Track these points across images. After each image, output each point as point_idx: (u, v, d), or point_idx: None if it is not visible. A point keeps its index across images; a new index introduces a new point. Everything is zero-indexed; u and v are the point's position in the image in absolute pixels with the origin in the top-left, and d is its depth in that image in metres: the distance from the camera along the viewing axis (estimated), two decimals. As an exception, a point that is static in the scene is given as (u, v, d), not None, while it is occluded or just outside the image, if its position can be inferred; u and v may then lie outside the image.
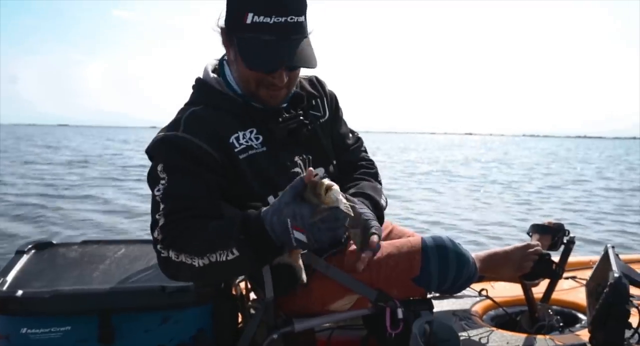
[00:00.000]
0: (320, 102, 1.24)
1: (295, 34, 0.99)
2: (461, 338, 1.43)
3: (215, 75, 1.13)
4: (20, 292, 1.03)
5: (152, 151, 1.03)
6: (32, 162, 15.12)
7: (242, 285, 1.42)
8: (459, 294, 1.75)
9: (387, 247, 1.15)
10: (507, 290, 1.77)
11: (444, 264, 1.10)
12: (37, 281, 1.10)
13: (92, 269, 1.18)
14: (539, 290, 1.61)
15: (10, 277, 1.11)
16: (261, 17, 0.96)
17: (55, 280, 1.11)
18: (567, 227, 1.63)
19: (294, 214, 0.83)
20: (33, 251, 1.29)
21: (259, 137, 1.09)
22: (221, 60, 1.15)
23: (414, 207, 7.73)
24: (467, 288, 1.69)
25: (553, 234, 1.60)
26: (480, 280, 1.73)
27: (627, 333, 1.11)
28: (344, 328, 1.32)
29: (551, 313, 1.60)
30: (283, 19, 0.97)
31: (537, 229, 1.64)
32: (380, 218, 1.14)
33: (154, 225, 0.96)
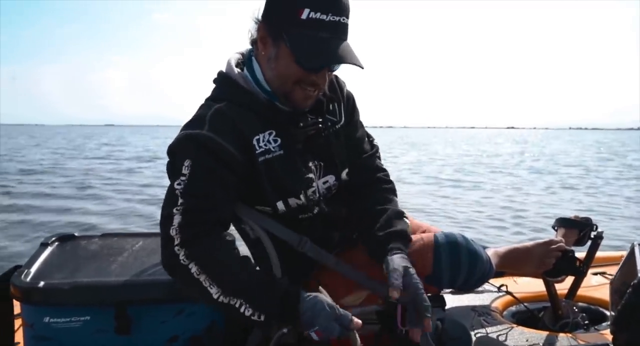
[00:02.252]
0: (337, 106, 1.20)
1: (344, 35, 1.01)
2: (479, 334, 1.40)
3: (239, 70, 1.11)
4: (42, 283, 1.07)
5: (176, 147, 1.01)
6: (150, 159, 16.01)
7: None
8: (478, 289, 1.72)
9: (399, 243, 1.13)
10: (529, 286, 1.72)
11: (455, 262, 1.07)
12: (59, 273, 1.14)
13: (110, 261, 1.22)
14: (563, 286, 1.55)
15: (33, 269, 1.15)
16: (318, 14, 0.95)
17: (75, 271, 1.15)
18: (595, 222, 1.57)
19: (325, 328, 0.89)
20: (56, 243, 1.34)
21: (277, 139, 1.07)
22: (249, 55, 1.12)
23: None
24: (487, 283, 1.67)
25: (580, 228, 1.54)
26: (501, 275, 1.69)
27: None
28: (358, 322, 1.31)
29: (576, 310, 1.54)
30: (337, 19, 0.97)
31: (562, 223, 1.58)
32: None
33: (167, 219, 0.95)
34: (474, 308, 1.58)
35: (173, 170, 1.00)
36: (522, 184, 9.67)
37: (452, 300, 1.65)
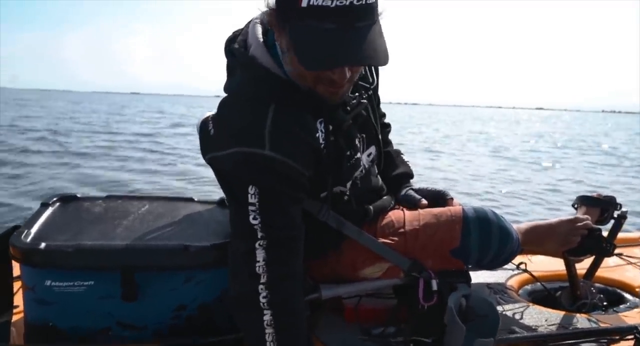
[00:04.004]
0: (368, 67, 1.09)
1: (362, 20, 0.80)
2: (495, 312, 1.36)
3: (267, 53, 0.93)
4: (43, 245, 1.00)
5: (236, 172, 0.89)
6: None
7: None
8: (494, 266, 1.66)
9: (424, 214, 1.07)
10: (546, 264, 1.67)
11: (485, 238, 1.01)
12: (61, 235, 1.07)
13: (115, 225, 1.15)
14: (581, 266, 1.50)
15: (34, 229, 1.09)
16: (320, 0, 0.77)
17: (78, 233, 1.08)
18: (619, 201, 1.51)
19: None
20: (58, 204, 1.27)
21: (328, 127, 0.96)
22: (272, 39, 0.94)
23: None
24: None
25: (602, 207, 1.48)
26: (520, 253, 1.63)
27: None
28: (373, 295, 1.26)
29: (594, 291, 1.50)
30: (347, 2, 0.77)
31: (584, 201, 1.52)
32: None
33: (250, 255, 0.87)
34: (489, 285, 1.54)
35: (237, 197, 0.89)
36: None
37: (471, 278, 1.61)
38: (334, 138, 0.96)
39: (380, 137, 1.12)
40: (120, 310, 1.05)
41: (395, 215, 1.09)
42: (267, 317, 0.86)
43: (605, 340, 1.18)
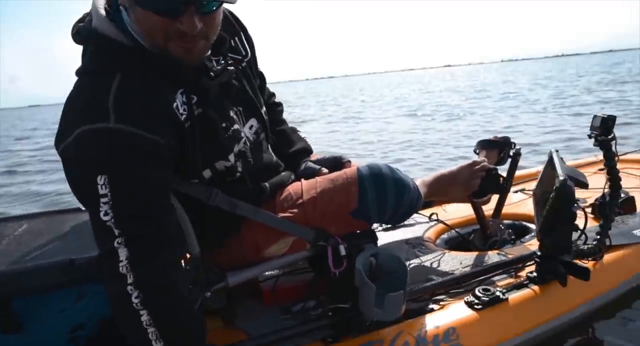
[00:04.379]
0: (239, 40, 1.03)
1: None
2: (413, 264, 1.39)
3: (109, 22, 0.85)
4: None
5: (80, 153, 0.77)
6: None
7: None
8: (410, 222, 1.70)
9: (321, 181, 1.04)
10: (458, 212, 1.74)
11: (381, 193, 1.00)
12: None
13: (-16, 252, 1.01)
14: (489, 207, 1.58)
15: None
16: None
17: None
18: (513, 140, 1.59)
19: None
20: None
21: (192, 97, 0.87)
22: (116, 6, 0.87)
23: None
24: (417, 215, 1.65)
25: (500, 148, 1.55)
26: (430, 204, 1.68)
27: (574, 236, 1.09)
28: (290, 273, 1.24)
29: (502, 227, 1.58)
30: None
31: (483, 145, 1.58)
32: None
33: (111, 255, 0.77)
34: (407, 241, 1.57)
35: (88, 194, 0.77)
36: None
37: (385, 236, 1.63)
38: (201, 110, 0.89)
39: (263, 110, 1.06)
40: (6, 344, 0.93)
41: (293, 187, 1.06)
42: (144, 317, 0.78)
43: (512, 270, 1.24)
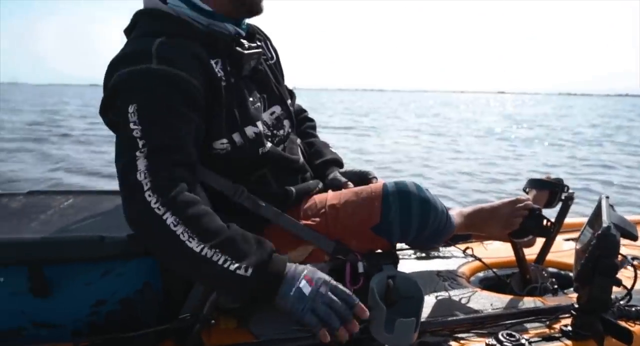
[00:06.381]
0: (264, 44, 1.14)
1: None
2: (441, 297, 1.32)
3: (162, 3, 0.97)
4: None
5: (122, 86, 0.85)
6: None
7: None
8: (445, 254, 1.64)
9: (346, 193, 1.04)
10: (500, 252, 1.65)
11: (405, 210, 0.98)
12: (-27, 231, 1.02)
13: (31, 219, 1.10)
14: (533, 251, 1.48)
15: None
16: None
17: (-9, 230, 1.03)
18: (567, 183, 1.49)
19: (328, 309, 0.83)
20: (-26, 201, 1.22)
21: (226, 68, 0.97)
22: None
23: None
24: (454, 248, 1.58)
25: (550, 189, 1.46)
26: (468, 239, 1.60)
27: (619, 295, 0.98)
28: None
29: (545, 275, 1.47)
30: None
31: (533, 184, 1.50)
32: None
33: (130, 166, 0.81)
34: (439, 273, 1.50)
35: (119, 116, 0.84)
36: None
37: (418, 265, 1.57)
38: (233, 79, 0.97)
39: (288, 101, 1.13)
40: (33, 307, 1.00)
41: (319, 197, 1.06)
42: (170, 220, 0.78)
43: (545, 319, 1.15)
